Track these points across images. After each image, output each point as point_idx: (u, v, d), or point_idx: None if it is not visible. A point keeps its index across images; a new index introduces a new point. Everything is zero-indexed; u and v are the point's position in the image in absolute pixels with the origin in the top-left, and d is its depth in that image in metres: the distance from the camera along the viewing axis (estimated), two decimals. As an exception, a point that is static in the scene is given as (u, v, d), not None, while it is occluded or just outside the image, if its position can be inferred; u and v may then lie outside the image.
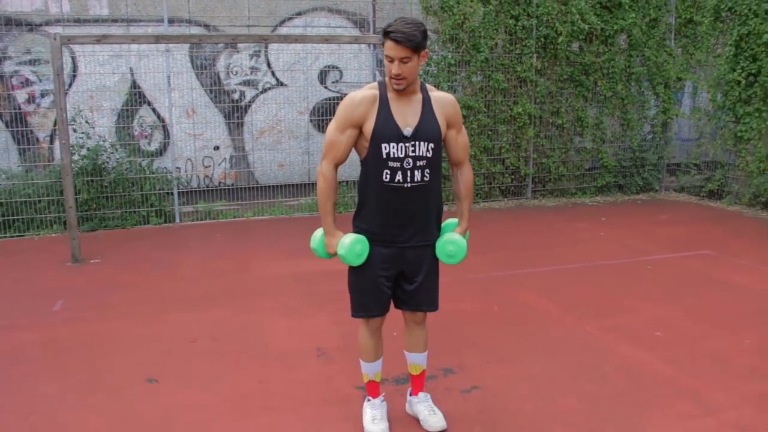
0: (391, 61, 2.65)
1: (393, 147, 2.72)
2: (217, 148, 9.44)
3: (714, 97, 9.10)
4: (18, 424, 3.19)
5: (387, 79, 2.78)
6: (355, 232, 2.89)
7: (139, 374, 3.72)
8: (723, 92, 8.94)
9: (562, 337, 4.24)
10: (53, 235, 7.39)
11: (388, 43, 2.64)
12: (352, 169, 9.28)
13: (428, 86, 2.89)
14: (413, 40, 2.61)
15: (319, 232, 2.98)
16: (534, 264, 6.01)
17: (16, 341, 4.25)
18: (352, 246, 2.81)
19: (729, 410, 3.25)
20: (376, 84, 2.83)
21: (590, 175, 9.83)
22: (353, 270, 2.90)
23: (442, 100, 2.86)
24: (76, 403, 3.39)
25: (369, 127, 2.74)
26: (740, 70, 8.55)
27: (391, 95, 2.77)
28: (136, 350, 4.08)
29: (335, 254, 2.89)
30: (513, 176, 9.41)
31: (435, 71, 8.70)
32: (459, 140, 2.94)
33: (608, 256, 6.31)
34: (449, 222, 3.05)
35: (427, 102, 2.81)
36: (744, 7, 8.40)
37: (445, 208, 3.21)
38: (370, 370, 3.05)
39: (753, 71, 8.41)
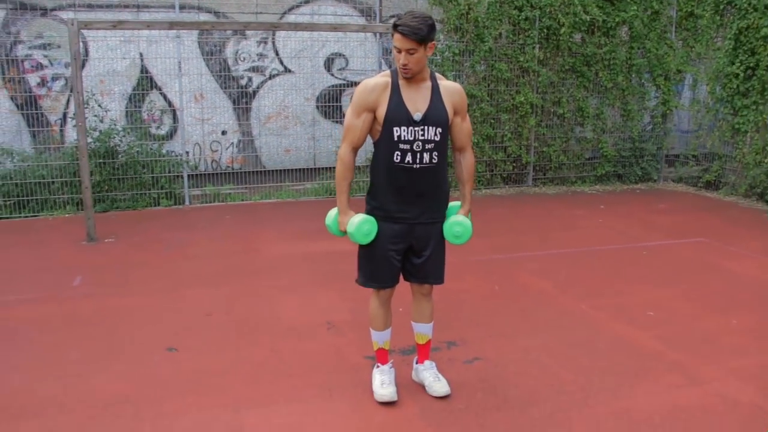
0: (399, 51, 2.86)
1: (404, 130, 2.93)
2: (224, 132, 9.63)
3: (713, 89, 9.28)
4: (52, 385, 3.41)
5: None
6: (368, 209, 3.11)
7: (158, 344, 3.94)
8: (722, 85, 9.12)
9: (559, 315, 4.46)
10: (66, 215, 7.60)
11: (396, 36, 2.85)
12: (358, 154, 9.48)
13: (437, 75, 3.10)
14: (419, 34, 2.82)
15: (333, 211, 3.19)
16: (533, 248, 6.22)
17: (40, 313, 4.47)
18: (360, 225, 3.02)
19: (713, 382, 3.47)
20: (389, 72, 3.04)
21: (590, 164, 10.03)
22: (366, 245, 3.11)
23: (450, 88, 3.07)
24: (102, 368, 3.62)
25: (381, 112, 2.96)
26: (739, 64, 8.72)
27: (402, 82, 2.98)
28: (154, 323, 4.31)
29: (346, 232, 3.10)
30: (514, 164, 9.60)
31: (440, 60, 8.88)
32: (463, 127, 3.16)
33: (605, 241, 6.53)
34: (452, 205, 3.27)
35: (435, 90, 3.02)
36: (743, 1, 8.57)
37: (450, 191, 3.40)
38: (380, 338, 3.27)
39: (751, 65, 8.59)
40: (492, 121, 9.23)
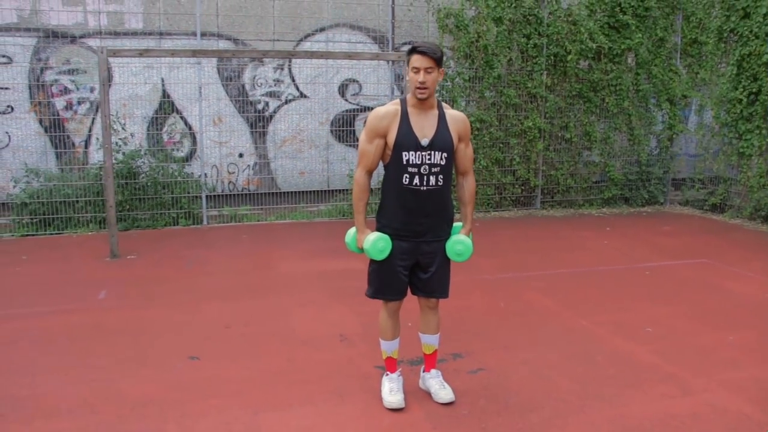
0: (417, 71, 3.13)
1: (412, 155, 3.20)
2: (241, 155, 9.96)
3: (717, 114, 9.50)
4: (83, 388, 3.66)
5: (408, 96, 3.26)
6: (378, 227, 3.36)
7: (181, 352, 4.19)
8: (726, 110, 9.34)
9: (560, 330, 4.66)
10: (89, 233, 7.92)
11: (415, 57, 3.11)
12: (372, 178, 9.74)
13: (443, 104, 3.37)
14: (437, 54, 3.13)
15: (352, 230, 3.47)
16: (539, 267, 6.43)
17: (69, 324, 4.74)
18: (375, 243, 3.28)
19: (705, 392, 3.66)
20: (398, 101, 3.32)
21: (597, 188, 10.24)
22: (376, 261, 3.36)
23: (456, 116, 3.34)
24: (129, 373, 3.87)
25: (392, 137, 3.22)
26: (742, 89, 8.95)
27: (411, 110, 3.24)
28: (176, 333, 4.56)
29: (361, 247, 3.37)
30: (523, 187, 9.84)
31: (450, 86, 9.18)
32: (467, 153, 3.43)
33: (609, 262, 6.73)
34: (454, 226, 3.51)
35: (442, 117, 3.29)
36: (746, 29, 8.82)
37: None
38: (389, 347, 3.51)
39: (754, 90, 8.82)
40: (501, 145, 9.49)
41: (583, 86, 9.72)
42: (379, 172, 3.42)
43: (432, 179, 3.24)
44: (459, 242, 3.41)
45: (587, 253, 7.15)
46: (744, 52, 8.88)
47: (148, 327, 4.69)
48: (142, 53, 6.43)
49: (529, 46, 9.35)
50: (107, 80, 6.40)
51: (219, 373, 3.89)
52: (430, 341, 3.57)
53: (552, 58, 9.50)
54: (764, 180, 8.79)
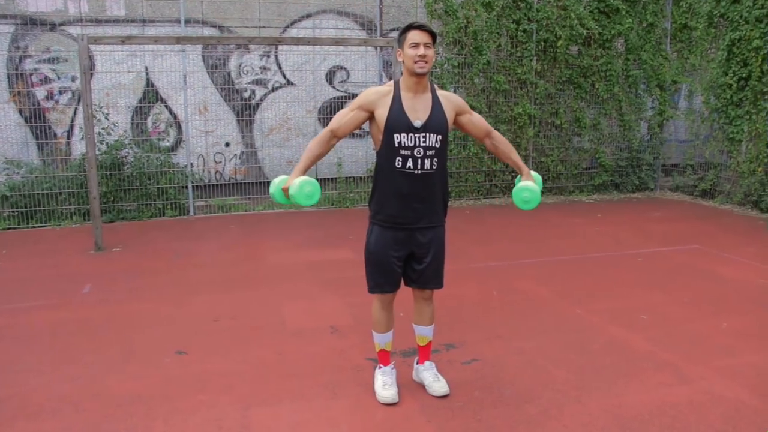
0: (416, 46, 3.04)
1: (404, 137, 3.10)
2: (227, 144, 9.82)
3: (707, 99, 9.47)
4: (67, 387, 3.56)
5: (401, 78, 3.16)
6: (371, 214, 3.26)
7: (168, 347, 4.09)
8: (716, 95, 9.31)
9: (555, 319, 4.60)
10: (73, 225, 7.77)
11: (413, 32, 3.06)
12: (358, 166, 9.62)
13: (435, 86, 3.27)
14: (433, 31, 3.10)
15: (278, 179, 3.23)
16: (531, 255, 6.37)
17: (53, 319, 4.62)
18: (302, 187, 3.05)
19: (701, 380, 3.61)
20: (391, 83, 3.23)
21: (588, 174, 10.20)
22: (369, 252, 3.26)
23: (448, 96, 3.28)
24: (115, 370, 3.76)
25: (381, 116, 3.12)
26: (732, 74, 8.92)
27: (404, 93, 3.15)
28: (163, 327, 4.45)
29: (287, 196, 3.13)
30: (513, 174, 9.76)
31: (439, 72, 9.07)
32: (474, 119, 3.36)
33: (602, 249, 6.68)
34: (516, 180, 3.44)
35: (436, 100, 3.20)
36: (736, 14, 8.77)
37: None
38: (382, 340, 3.42)
39: (744, 75, 8.78)
40: (490, 131, 9.38)
41: (573, 72, 9.65)
42: (369, 161, 3.31)
43: (426, 162, 3.14)
44: (525, 189, 3.29)
45: (579, 240, 7.10)
46: (734, 37, 8.84)
47: (134, 321, 4.58)
48: (125, 41, 6.27)
49: (518, 31, 9.25)
50: (89, 69, 6.24)
51: (208, 367, 3.80)
52: (424, 333, 3.49)
53: (542, 43, 9.42)
54: (754, 165, 8.77)
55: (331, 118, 9.51)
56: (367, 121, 3.24)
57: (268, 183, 9.64)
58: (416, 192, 3.16)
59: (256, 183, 9.70)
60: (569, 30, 9.27)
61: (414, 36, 3.06)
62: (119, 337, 4.27)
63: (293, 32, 9.83)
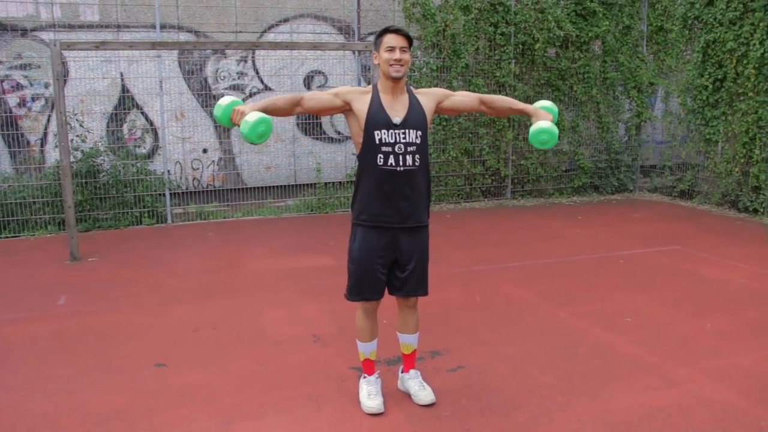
0: (392, 50, 3.03)
1: (384, 133, 3.07)
2: (205, 151, 9.68)
3: (684, 101, 9.55)
4: (43, 403, 3.44)
5: (378, 82, 3.15)
6: (354, 216, 3.20)
7: (147, 359, 3.99)
8: (692, 96, 9.39)
9: (539, 323, 4.57)
10: (48, 235, 7.59)
11: (390, 36, 3.05)
12: (337, 171, 9.53)
13: (411, 88, 3.26)
14: (409, 35, 3.10)
15: (226, 100, 3.02)
16: (513, 259, 6.35)
17: (27, 332, 4.48)
18: (256, 126, 2.88)
19: (688, 383, 3.60)
20: (370, 87, 3.21)
21: (567, 176, 10.23)
22: (353, 258, 3.21)
23: (426, 91, 3.30)
24: (93, 384, 3.65)
25: (361, 112, 3.10)
26: (707, 76, 9.00)
27: (382, 95, 3.14)
28: (141, 339, 4.34)
29: (237, 124, 2.95)
30: (493, 177, 9.77)
31: (417, 76, 9.04)
32: (459, 96, 3.33)
33: (583, 251, 6.68)
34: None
35: (413, 98, 3.20)
36: (710, 16, 8.86)
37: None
38: (366, 349, 3.36)
39: (719, 77, 8.87)
40: (470, 135, 9.40)
41: (551, 74, 9.68)
42: (348, 166, 3.24)
43: (408, 159, 3.10)
44: (543, 131, 3.15)
45: (560, 242, 7.10)
46: (708, 39, 8.92)
47: (111, 333, 4.46)
48: (99, 46, 6.15)
49: (496, 34, 9.26)
50: (62, 75, 6.10)
51: (188, 380, 3.70)
52: (409, 341, 3.43)
53: (520, 46, 9.44)
54: (731, 166, 8.85)
55: (309, 124, 9.35)
56: (348, 123, 3.21)
57: (247, 189, 9.55)
58: (399, 190, 3.12)
59: (235, 190, 9.58)
60: (547, 33, 9.30)
61: (390, 40, 3.05)
62: (96, 350, 4.15)
63: (270, 37, 9.74)
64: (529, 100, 9.63)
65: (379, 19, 9.80)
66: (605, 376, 3.69)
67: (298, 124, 9.94)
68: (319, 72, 10.02)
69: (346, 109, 3.16)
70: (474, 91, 9.14)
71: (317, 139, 9.89)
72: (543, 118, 3.23)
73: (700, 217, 8.54)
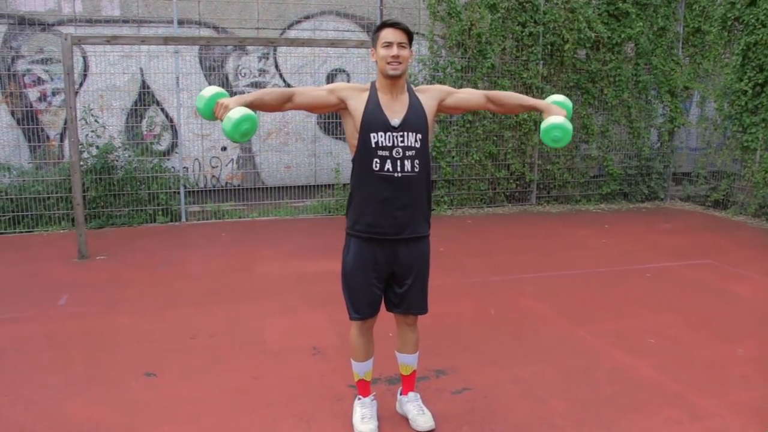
0: (389, 46, 2.78)
1: (381, 136, 2.82)
2: (224, 148, 9.55)
3: (721, 106, 9.12)
4: (22, 412, 3.27)
5: (376, 80, 2.92)
6: (348, 227, 2.96)
7: (138, 368, 3.80)
8: (730, 102, 8.96)
9: (556, 341, 4.28)
10: (61, 231, 7.51)
11: (387, 31, 2.79)
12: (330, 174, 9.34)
13: (412, 87, 2.99)
14: (409, 30, 2.82)
15: (209, 91, 2.78)
16: (533, 269, 6.05)
17: (22, 333, 4.35)
18: (239, 124, 2.62)
19: (715, 417, 3.28)
20: (368, 84, 2.96)
21: (595, 183, 9.86)
22: (346, 272, 2.97)
23: (427, 88, 3.02)
24: (78, 393, 3.48)
25: (357, 111, 2.85)
26: (747, 80, 8.56)
27: (380, 94, 2.89)
28: (136, 345, 4.17)
29: (219, 118, 2.71)
30: (517, 182, 9.45)
31: (441, 76, 8.77)
32: (462, 94, 3.05)
33: (608, 263, 6.35)
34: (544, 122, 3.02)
35: (413, 97, 2.93)
36: (752, 17, 8.43)
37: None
38: (360, 369, 3.12)
39: (760, 81, 8.43)
40: (495, 138, 9.10)
41: (580, 77, 9.32)
42: (343, 170, 2.99)
43: (407, 164, 2.84)
44: (556, 127, 2.91)
45: (585, 252, 6.77)
46: (749, 41, 8.48)
47: (107, 338, 4.30)
48: (110, 40, 6.02)
49: (524, 34, 8.94)
50: (73, 70, 5.97)
51: (176, 392, 3.51)
52: (408, 361, 3.18)
53: (548, 47, 9.10)
54: (769, 175, 8.41)
55: (330, 123, 9.12)
56: (343, 122, 2.96)
57: (265, 188, 9.37)
58: (396, 197, 2.86)
59: (253, 189, 9.42)
60: (577, 33, 8.94)
61: (387, 34, 2.80)
62: (88, 356, 3.99)
63: (292, 34, 9.55)
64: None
65: (403, 17, 9.54)
66: (623, 406, 3.39)
67: (319, 123, 9.75)
68: (342, 70, 9.81)
69: (342, 108, 2.91)
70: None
71: (339, 138, 9.68)
72: (556, 113, 2.98)
73: (734, 229, 8.12)
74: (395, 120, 2.84)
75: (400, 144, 2.83)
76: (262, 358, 3.95)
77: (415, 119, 2.87)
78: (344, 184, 9.14)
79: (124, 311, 4.82)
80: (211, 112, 2.76)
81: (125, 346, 4.16)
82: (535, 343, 4.27)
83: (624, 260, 6.46)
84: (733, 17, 8.86)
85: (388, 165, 2.83)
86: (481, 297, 5.20)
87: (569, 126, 2.93)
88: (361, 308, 2.97)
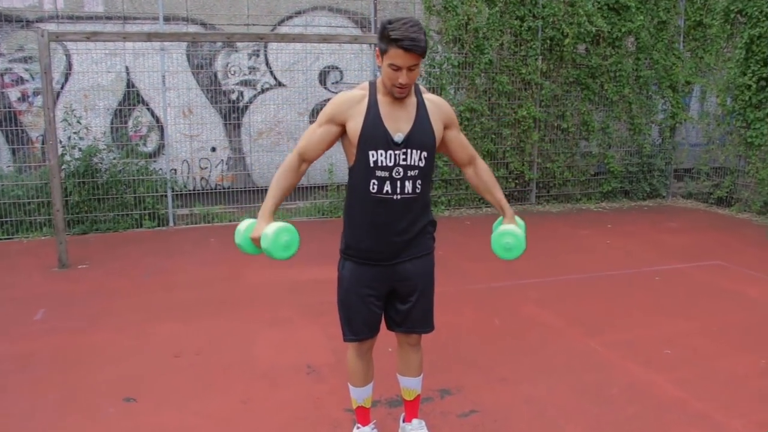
0: (398, 69, 2.38)
1: (381, 155, 2.47)
2: (214, 149, 9.24)
3: (723, 101, 8.86)
4: (-18, 447, 2.98)
5: (379, 80, 2.53)
6: (342, 249, 2.67)
7: (117, 392, 3.51)
8: (733, 96, 8.71)
9: (567, 355, 4.01)
10: (43, 238, 7.19)
11: (397, 52, 2.34)
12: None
13: (421, 88, 2.65)
14: (423, 47, 2.36)
15: (243, 225, 2.59)
16: (537, 273, 5.78)
17: (-9, 353, 4.04)
18: (277, 237, 2.44)
19: (746, 440, 3.02)
20: (366, 84, 2.58)
21: (596, 181, 9.60)
22: (341, 289, 2.68)
23: (437, 102, 2.63)
24: (48, 423, 3.18)
25: (354, 129, 2.48)
26: (751, 74, 8.31)
27: (381, 98, 2.51)
28: (117, 365, 3.87)
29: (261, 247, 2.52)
30: (517, 181, 9.18)
31: (438, 73, 8.48)
32: (462, 138, 2.72)
33: (614, 265, 6.09)
34: (496, 223, 2.85)
35: (421, 106, 2.56)
36: (755, 9, 8.17)
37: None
38: (359, 395, 2.83)
39: (764, 75, 8.18)
40: (493, 136, 8.82)
41: (580, 72, 9.05)
42: (337, 170, 2.69)
43: (408, 185, 2.52)
44: (508, 233, 2.69)
45: (589, 255, 6.51)
46: (753, 34, 8.22)
47: (84, 357, 3.99)
48: (90, 36, 5.70)
49: (522, 29, 8.65)
50: (49, 68, 5.66)
51: (157, 420, 3.21)
52: (411, 385, 2.89)
53: (547, 42, 8.81)
54: (775, 172, 8.17)
55: None
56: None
57: (257, 190, 9.06)
58: (394, 221, 2.55)
59: (244, 191, 9.10)
60: (577, 27, 8.67)
61: (397, 57, 2.35)
62: (63, 378, 3.69)
63: (284, 30, 9.25)
64: (557, 100, 9.04)
65: (398, 12, 9.25)
66: (643, 427, 3.12)
67: (311, 122, 9.44)
68: (335, 67, 9.52)
69: (343, 132, 2.55)
70: (499, 90, 8.63)
71: (331, 138, 9.37)
72: (513, 223, 2.76)
73: (740, 227, 7.87)
74: (398, 135, 2.48)
75: (402, 163, 2.49)
76: (252, 379, 3.66)
77: (421, 134, 2.52)
78: (338, 185, 8.83)
79: (105, 327, 4.52)
80: (253, 246, 2.56)
81: (104, 367, 3.85)
82: (544, 356, 3.99)
83: (630, 262, 6.19)
84: (735, 9, 8.60)
85: (387, 187, 2.50)
86: (483, 305, 4.92)
87: (524, 239, 2.71)
88: (359, 329, 2.68)
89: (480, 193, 2.83)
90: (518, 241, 2.70)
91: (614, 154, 9.50)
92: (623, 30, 9.01)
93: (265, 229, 2.44)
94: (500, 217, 2.86)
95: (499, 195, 2.79)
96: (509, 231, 2.71)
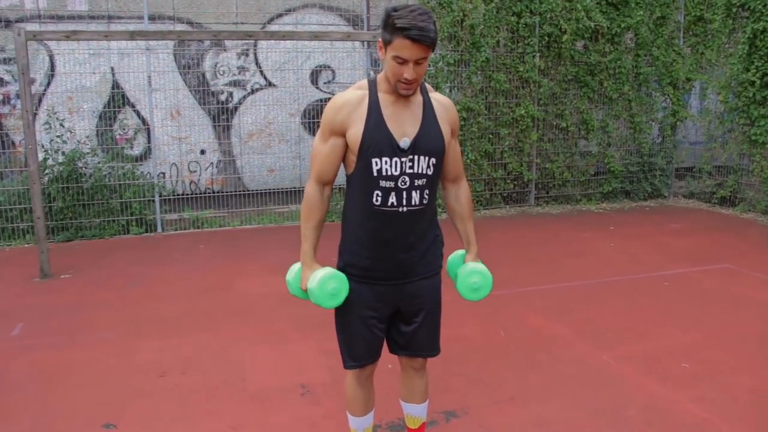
0: (403, 62, 2.11)
1: (386, 163, 2.20)
2: (203, 152, 8.98)
3: (726, 98, 8.66)
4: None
5: (380, 76, 2.26)
6: (339, 266, 2.41)
7: (96, 417, 3.24)
8: (736, 93, 8.50)
9: (578, 370, 3.77)
10: (26, 246, 6.91)
11: (403, 42, 2.06)
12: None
13: (427, 86, 2.38)
14: (433, 37, 2.08)
15: (291, 274, 2.46)
16: (541, 280, 5.54)
17: (-38, 375, 3.77)
18: (324, 284, 2.27)
19: (780, 467, 2.79)
20: (365, 83, 2.30)
21: (596, 181, 9.38)
22: (339, 310, 2.42)
23: (445, 104, 2.35)
24: (17, 456, 2.92)
25: (355, 136, 2.21)
26: (754, 70, 8.11)
27: (384, 97, 2.23)
28: (97, 386, 3.61)
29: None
30: (515, 182, 8.95)
31: (433, 71, 8.24)
32: (457, 150, 2.45)
33: (620, 270, 5.85)
34: (455, 254, 2.58)
35: (428, 106, 2.29)
36: (758, 3, 7.97)
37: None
38: (359, 425, 2.57)
39: (768, 71, 7.98)
40: (490, 136, 8.58)
41: (579, 70, 8.83)
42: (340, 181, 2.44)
43: (415, 196, 2.25)
44: (475, 272, 2.42)
45: (593, 259, 6.27)
46: (756, 29, 8.03)
47: (62, 377, 3.73)
48: (69, 35, 5.42)
49: (520, 25, 8.41)
50: (27, 68, 5.38)
51: (139, 450, 2.96)
52: (416, 413, 2.64)
53: (545, 38, 8.58)
54: (780, 170, 7.97)
55: (315, 123, 8.40)
56: None
57: (248, 194, 8.78)
58: (400, 237, 2.28)
59: (235, 194, 8.84)
60: (575, 23, 8.44)
61: (403, 49, 2.07)
62: (38, 402, 3.42)
63: (273, 28, 8.99)
64: (556, 98, 8.81)
65: (391, 9, 9.00)
66: (667, 453, 2.89)
67: (303, 123, 9.20)
68: (327, 66, 9.27)
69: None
70: (495, 88, 8.40)
71: (324, 139, 9.11)
72: (477, 260, 2.51)
73: (745, 227, 7.67)
74: (404, 139, 2.21)
75: (408, 171, 2.22)
76: (243, 401, 3.40)
77: (429, 138, 2.25)
78: (334, 188, 8.56)
79: (86, 343, 4.25)
80: (300, 289, 2.42)
81: (83, 388, 3.59)
82: (554, 372, 3.75)
83: (636, 267, 5.96)
84: (738, 4, 8.41)
85: (392, 199, 2.23)
86: (487, 315, 4.67)
87: (491, 278, 2.46)
88: (360, 354, 2.42)
89: (452, 218, 2.53)
90: (486, 281, 2.45)
91: (614, 154, 9.29)
92: (622, 26, 8.80)
93: (310, 282, 2.30)
94: (458, 252, 2.59)
95: (471, 228, 2.52)
96: (476, 270, 2.44)
